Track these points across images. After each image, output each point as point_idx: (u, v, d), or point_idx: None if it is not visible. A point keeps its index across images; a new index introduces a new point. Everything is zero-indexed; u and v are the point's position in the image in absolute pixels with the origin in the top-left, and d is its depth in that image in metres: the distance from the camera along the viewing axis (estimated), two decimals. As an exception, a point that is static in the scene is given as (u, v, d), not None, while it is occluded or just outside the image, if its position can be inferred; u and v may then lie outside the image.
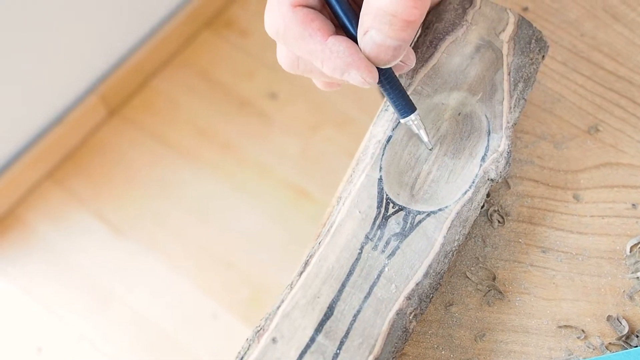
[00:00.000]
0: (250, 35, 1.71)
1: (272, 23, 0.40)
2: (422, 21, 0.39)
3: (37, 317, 1.39)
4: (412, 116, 0.44)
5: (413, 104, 0.44)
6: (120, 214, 1.50)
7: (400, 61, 0.43)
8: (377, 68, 0.40)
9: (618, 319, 0.45)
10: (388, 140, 0.45)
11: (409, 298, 0.41)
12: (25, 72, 1.38)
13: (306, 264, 0.42)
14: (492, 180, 0.45)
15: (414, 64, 0.44)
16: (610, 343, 0.44)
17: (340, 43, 0.39)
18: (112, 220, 1.49)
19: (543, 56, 0.49)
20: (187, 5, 1.65)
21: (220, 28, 1.72)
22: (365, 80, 0.39)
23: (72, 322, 1.39)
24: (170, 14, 1.64)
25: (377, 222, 0.43)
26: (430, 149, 0.45)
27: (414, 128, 0.44)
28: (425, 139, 0.45)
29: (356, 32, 0.40)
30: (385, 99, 0.46)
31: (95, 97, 1.54)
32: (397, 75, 0.44)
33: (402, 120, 0.44)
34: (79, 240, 1.47)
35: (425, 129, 0.44)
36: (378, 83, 0.41)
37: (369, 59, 0.39)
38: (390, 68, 0.42)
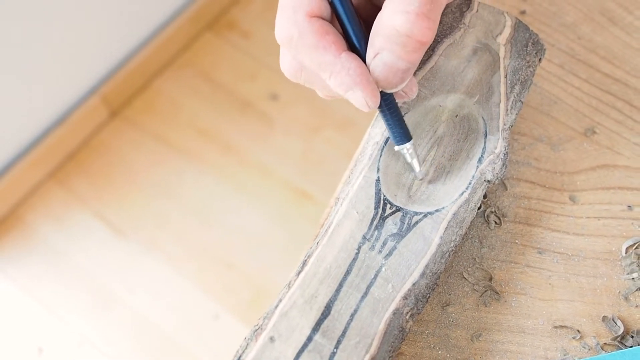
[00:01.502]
0: (252, 36, 1.71)
1: (284, 30, 0.40)
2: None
3: (38, 318, 1.40)
4: (407, 145, 0.44)
5: (409, 133, 0.43)
6: (122, 214, 1.50)
7: (402, 90, 0.42)
8: (380, 93, 0.40)
9: (613, 320, 0.45)
10: (386, 142, 0.45)
11: (405, 298, 0.41)
12: (27, 72, 1.39)
13: (304, 263, 0.42)
14: (488, 181, 0.45)
15: (414, 96, 0.43)
16: (605, 343, 0.45)
17: (352, 60, 0.39)
18: (113, 220, 1.49)
19: (540, 59, 0.49)
20: (189, 7, 1.66)
21: (222, 30, 1.72)
22: (366, 102, 0.39)
23: (72, 323, 1.39)
24: (172, 16, 1.64)
25: (375, 223, 0.43)
26: (420, 179, 0.46)
27: (407, 157, 0.44)
28: (417, 168, 0.45)
29: (365, 52, 0.40)
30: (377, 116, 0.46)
31: (97, 98, 1.55)
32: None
33: (396, 147, 0.44)
34: (80, 241, 1.47)
35: (418, 158, 0.44)
36: (378, 108, 0.41)
37: (377, 81, 0.39)
38: (392, 94, 0.42)
